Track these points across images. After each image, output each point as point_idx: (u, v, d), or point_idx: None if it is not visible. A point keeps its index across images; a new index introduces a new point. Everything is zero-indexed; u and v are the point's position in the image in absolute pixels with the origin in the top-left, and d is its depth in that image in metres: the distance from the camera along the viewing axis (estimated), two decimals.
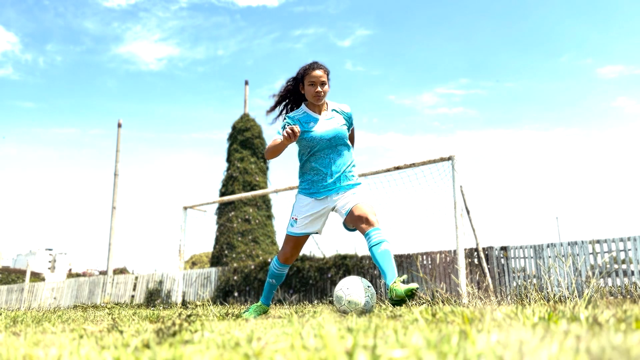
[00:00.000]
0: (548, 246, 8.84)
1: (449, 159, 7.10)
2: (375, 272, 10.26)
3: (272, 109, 3.43)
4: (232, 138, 17.90)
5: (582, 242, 8.57)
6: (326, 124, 3.24)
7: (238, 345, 1.09)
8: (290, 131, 2.93)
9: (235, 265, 12.53)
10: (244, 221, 16.40)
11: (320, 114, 3.28)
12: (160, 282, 13.78)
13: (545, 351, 0.81)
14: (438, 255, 9.57)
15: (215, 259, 16.15)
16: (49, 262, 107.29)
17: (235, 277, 12.09)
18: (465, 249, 8.99)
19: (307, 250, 11.45)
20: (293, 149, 3.42)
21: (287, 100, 3.42)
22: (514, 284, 8.79)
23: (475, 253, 9.17)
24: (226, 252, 15.90)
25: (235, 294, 11.87)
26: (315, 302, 8.93)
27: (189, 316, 2.09)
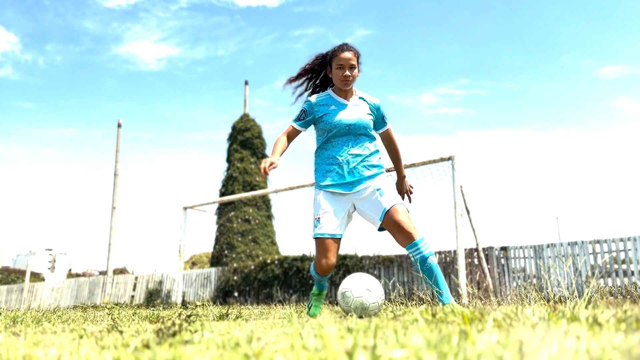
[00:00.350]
0: (548, 246, 8.84)
1: (449, 159, 7.10)
2: (375, 272, 10.26)
3: (295, 79, 3.19)
4: (232, 138, 17.91)
5: (582, 242, 8.57)
6: (349, 110, 3.01)
7: (238, 345, 1.09)
8: (265, 168, 2.81)
9: (235, 265, 12.52)
10: (244, 221, 16.40)
11: (346, 99, 3.06)
12: (160, 282, 13.78)
13: (545, 351, 0.81)
14: (438, 255, 9.57)
15: (215, 259, 16.15)
16: (49, 262, 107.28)
17: (235, 277, 12.09)
18: (465, 249, 8.99)
19: (307, 250, 11.45)
20: (310, 135, 3.23)
21: (311, 75, 3.19)
22: (514, 284, 8.79)
23: (475, 253, 9.17)
24: (226, 252, 15.89)
25: (235, 294, 11.87)
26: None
27: (188, 316, 2.09)
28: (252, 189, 16.61)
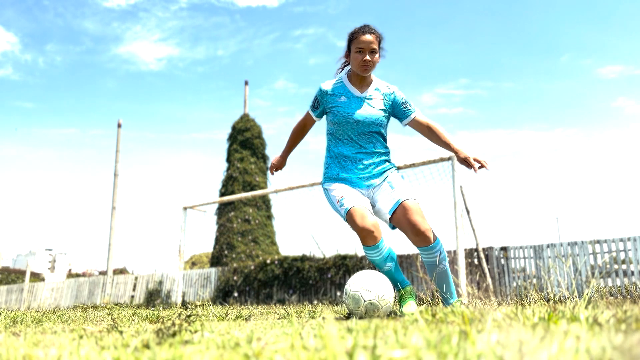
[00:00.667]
0: (548, 246, 8.84)
1: (449, 159, 7.10)
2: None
3: (339, 70, 2.99)
4: (232, 138, 17.91)
5: (582, 242, 8.57)
6: (360, 103, 2.77)
7: (238, 345, 1.09)
8: (271, 169, 3.13)
9: (235, 265, 12.53)
10: (244, 221, 16.40)
11: (360, 89, 2.81)
12: (160, 283, 13.78)
13: (545, 351, 0.81)
14: None
15: (215, 259, 16.15)
16: (49, 262, 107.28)
17: (235, 278, 12.09)
18: (465, 249, 8.99)
19: (307, 250, 11.45)
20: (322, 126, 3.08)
21: (345, 61, 2.94)
22: (514, 284, 8.79)
23: (475, 253, 9.17)
24: (226, 252, 15.90)
25: (235, 294, 11.86)
26: (315, 302, 8.93)
27: (188, 316, 2.09)
28: (252, 189, 16.61)
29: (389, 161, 2.87)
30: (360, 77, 2.81)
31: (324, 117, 2.95)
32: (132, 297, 14.38)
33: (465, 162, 2.76)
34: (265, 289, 11.40)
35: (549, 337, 0.91)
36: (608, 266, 8.32)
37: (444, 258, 2.64)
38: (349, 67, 2.89)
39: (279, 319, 2.60)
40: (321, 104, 2.86)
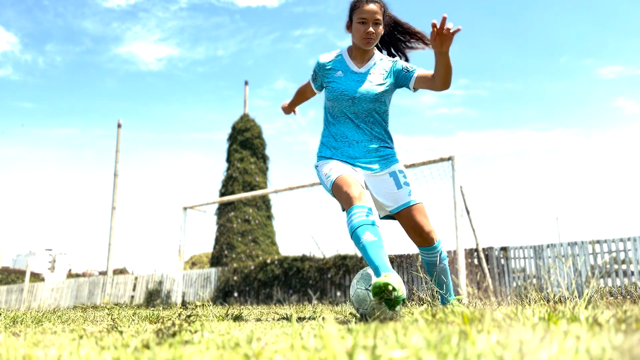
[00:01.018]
0: (548, 246, 8.84)
1: (449, 159, 7.10)
2: None
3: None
4: (232, 138, 17.91)
5: (582, 242, 8.57)
6: (358, 78, 2.55)
7: (238, 345, 1.09)
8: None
9: (235, 265, 12.53)
10: (244, 221, 16.40)
11: (359, 64, 2.59)
12: (160, 283, 13.78)
13: (545, 351, 0.81)
14: None
15: (215, 259, 16.15)
16: (49, 262, 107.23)
17: (235, 278, 12.09)
18: (465, 249, 8.99)
19: (307, 250, 11.46)
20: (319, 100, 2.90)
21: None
22: (514, 284, 8.79)
23: (475, 253, 9.16)
24: (226, 252, 15.90)
25: (235, 294, 11.86)
26: (315, 302, 8.93)
27: (188, 316, 2.08)
28: (252, 189, 16.61)
29: (391, 149, 2.64)
30: (361, 50, 2.59)
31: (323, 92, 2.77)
32: (132, 297, 14.38)
33: (439, 37, 2.22)
34: (265, 289, 11.40)
35: (549, 337, 0.91)
36: (608, 266, 8.32)
37: (444, 257, 2.60)
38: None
39: (279, 319, 2.60)
40: (318, 77, 2.68)
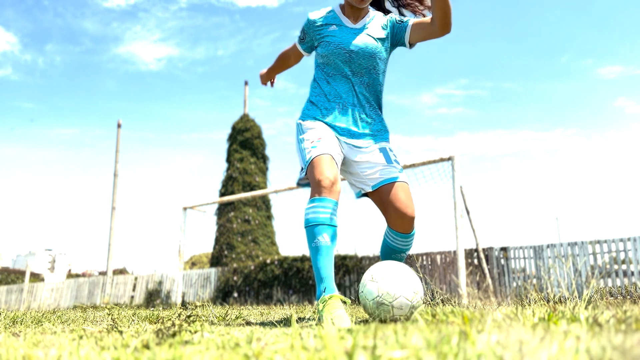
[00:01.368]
0: (548, 247, 8.84)
1: (449, 159, 7.10)
2: None
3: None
4: (232, 138, 17.91)
5: (582, 242, 8.57)
6: (354, 32, 2.34)
7: (238, 345, 1.09)
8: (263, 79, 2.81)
9: (235, 265, 12.53)
10: (244, 222, 16.40)
11: (354, 21, 2.39)
12: (160, 283, 13.78)
13: (545, 352, 0.81)
14: (438, 255, 9.57)
15: (215, 260, 16.15)
16: (49, 262, 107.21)
17: (235, 278, 12.08)
18: (465, 250, 8.99)
19: (306, 250, 11.45)
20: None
21: None
22: (514, 284, 8.79)
23: (475, 254, 9.17)
24: (226, 252, 15.90)
25: (235, 294, 11.86)
26: (315, 302, 8.92)
27: (188, 317, 2.08)
28: (252, 189, 16.61)
29: (383, 122, 2.44)
30: (354, 8, 2.38)
31: (314, 64, 2.54)
32: (132, 297, 14.37)
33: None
34: (265, 289, 11.40)
35: (549, 338, 0.91)
36: (608, 266, 8.32)
37: (409, 249, 2.40)
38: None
39: (279, 320, 2.60)
40: (308, 36, 2.48)
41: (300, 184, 2.42)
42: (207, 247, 19.40)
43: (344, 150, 2.35)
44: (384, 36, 2.38)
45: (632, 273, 8.12)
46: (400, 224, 2.28)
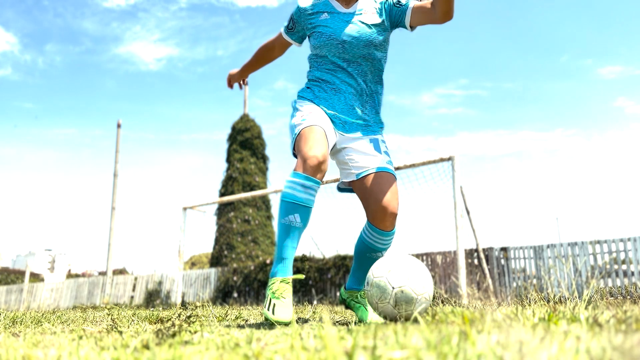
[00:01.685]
0: (548, 247, 8.84)
1: (449, 159, 7.10)
2: None
3: None
4: (232, 138, 17.91)
5: (582, 242, 8.57)
6: (347, 19, 2.22)
7: (238, 346, 1.09)
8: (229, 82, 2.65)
9: (235, 265, 12.53)
10: (244, 222, 16.40)
11: (346, 5, 2.27)
12: (160, 283, 13.77)
13: (545, 352, 0.81)
14: (438, 255, 9.57)
15: (215, 260, 16.15)
16: (49, 262, 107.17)
17: (234, 278, 12.08)
18: (465, 250, 8.99)
19: (306, 250, 11.44)
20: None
21: None
22: (514, 284, 8.79)
23: (476, 254, 9.16)
24: (226, 252, 15.90)
25: (235, 294, 11.86)
26: (315, 302, 8.92)
27: (188, 317, 2.08)
28: (252, 189, 16.61)
29: (378, 116, 2.34)
30: None
31: (307, 54, 2.44)
32: (132, 297, 14.37)
33: None
34: (265, 290, 11.40)
35: (549, 338, 0.91)
36: (608, 266, 8.32)
37: (387, 249, 2.26)
38: None
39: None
40: (298, 25, 2.36)
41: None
42: (207, 247, 19.43)
43: (337, 139, 2.26)
44: (380, 21, 2.24)
45: (632, 273, 8.12)
46: (380, 218, 2.16)
